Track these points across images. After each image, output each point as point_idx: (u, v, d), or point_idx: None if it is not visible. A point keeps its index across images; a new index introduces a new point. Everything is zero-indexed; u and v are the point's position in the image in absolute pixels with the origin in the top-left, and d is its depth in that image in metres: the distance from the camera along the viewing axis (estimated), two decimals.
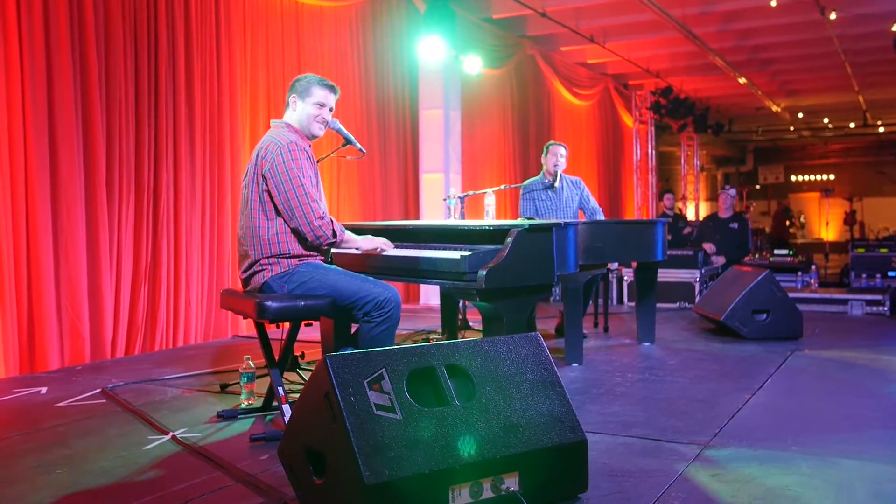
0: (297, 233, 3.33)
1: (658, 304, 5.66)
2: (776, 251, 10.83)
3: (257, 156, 3.37)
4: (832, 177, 21.22)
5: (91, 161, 4.83)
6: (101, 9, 4.90)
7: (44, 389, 4.12)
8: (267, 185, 3.31)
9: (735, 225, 8.49)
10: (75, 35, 4.74)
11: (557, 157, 5.65)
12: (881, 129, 18.08)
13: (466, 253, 3.53)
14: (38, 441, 3.21)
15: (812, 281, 8.43)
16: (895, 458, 2.86)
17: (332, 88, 3.51)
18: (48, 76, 4.59)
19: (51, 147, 4.61)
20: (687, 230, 9.73)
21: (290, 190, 3.26)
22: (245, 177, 3.45)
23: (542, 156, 5.75)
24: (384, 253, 3.73)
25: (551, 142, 5.82)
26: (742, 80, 12.15)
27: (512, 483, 2.27)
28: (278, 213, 3.33)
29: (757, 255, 11.46)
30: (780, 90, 13.88)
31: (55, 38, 4.61)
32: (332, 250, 3.70)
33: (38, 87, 4.53)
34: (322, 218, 3.29)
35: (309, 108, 3.46)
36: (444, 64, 7.95)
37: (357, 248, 3.60)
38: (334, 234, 3.34)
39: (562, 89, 11.10)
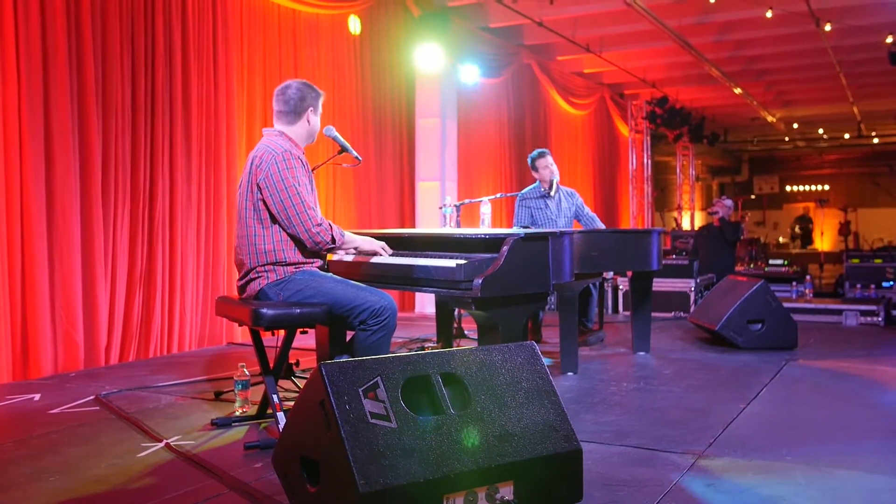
0: (295, 240, 3.33)
1: (653, 314, 5.67)
2: (771, 261, 10.87)
3: (251, 164, 3.37)
4: (827, 187, 21.32)
5: (87, 166, 4.83)
6: (98, 12, 4.91)
7: (37, 396, 4.10)
8: (262, 194, 3.31)
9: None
10: (72, 40, 4.74)
11: (551, 167, 5.70)
12: (875, 140, 18.18)
13: (462, 261, 3.53)
14: (30, 448, 3.19)
15: (807, 291, 8.45)
16: (890, 468, 2.86)
17: (322, 94, 3.60)
18: (44, 81, 4.59)
19: (46, 152, 4.61)
20: None
21: (287, 199, 3.26)
22: (240, 185, 3.45)
23: (537, 168, 5.73)
24: (380, 260, 3.73)
25: (538, 152, 5.79)
26: (737, 91, 12.20)
27: (507, 492, 2.27)
28: (273, 221, 3.32)
29: (752, 265, 11.51)
30: (776, 101, 13.94)
31: (52, 44, 4.61)
32: (331, 255, 3.70)
33: (34, 92, 4.53)
34: (320, 224, 3.29)
35: (319, 119, 3.54)
36: (440, 72, 7.97)
37: (356, 248, 3.60)
38: (333, 240, 3.34)
39: (558, 98, 11.13)
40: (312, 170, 3.57)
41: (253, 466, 2.91)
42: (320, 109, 3.53)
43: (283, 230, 3.32)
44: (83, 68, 4.80)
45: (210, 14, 5.73)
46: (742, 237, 9.23)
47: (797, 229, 19.96)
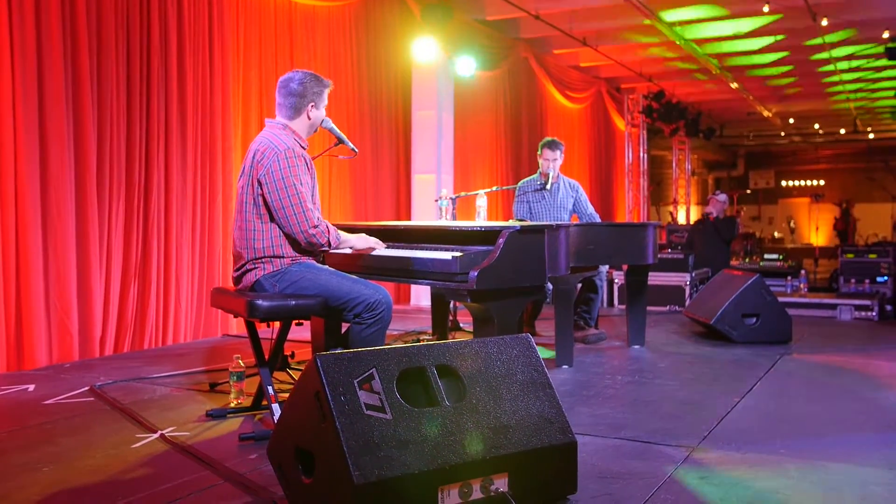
0: (290, 238, 3.33)
1: (648, 308, 5.67)
2: (766, 256, 10.90)
3: (252, 158, 3.35)
4: (822, 182, 21.37)
5: (81, 158, 4.81)
6: (94, 6, 4.88)
7: (31, 387, 4.09)
8: (262, 189, 3.29)
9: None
10: (67, 32, 4.71)
11: (550, 161, 5.66)
12: (871, 136, 18.21)
13: (458, 254, 3.53)
14: (24, 439, 3.19)
15: (801, 285, 8.48)
16: (883, 461, 2.87)
17: (329, 85, 3.55)
18: (39, 73, 4.56)
19: (41, 144, 4.59)
20: None
21: (286, 197, 3.25)
22: (241, 177, 3.43)
23: (540, 156, 5.73)
24: (376, 253, 3.73)
25: (545, 141, 5.76)
26: (734, 85, 12.20)
27: (501, 484, 2.27)
28: (272, 218, 3.32)
29: (747, 260, 11.53)
30: (772, 95, 13.94)
31: (47, 36, 4.58)
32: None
33: (28, 84, 4.51)
34: (317, 226, 3.28)
35: (322, 112, 3.51)
36: (437, 65, 7.95)
37: (351, 248, 3.60)
38: (329, 243, 3.34)
39: (555, 92, 11.12)
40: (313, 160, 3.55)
41: (248, 458, 2.91)
42: (325, 101, 3.50)
43: (280, 228, 3.31)
44: (78, 59, 4.77)
45: (206, 6, 5.70)
46: (737, 235, 9.23)
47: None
